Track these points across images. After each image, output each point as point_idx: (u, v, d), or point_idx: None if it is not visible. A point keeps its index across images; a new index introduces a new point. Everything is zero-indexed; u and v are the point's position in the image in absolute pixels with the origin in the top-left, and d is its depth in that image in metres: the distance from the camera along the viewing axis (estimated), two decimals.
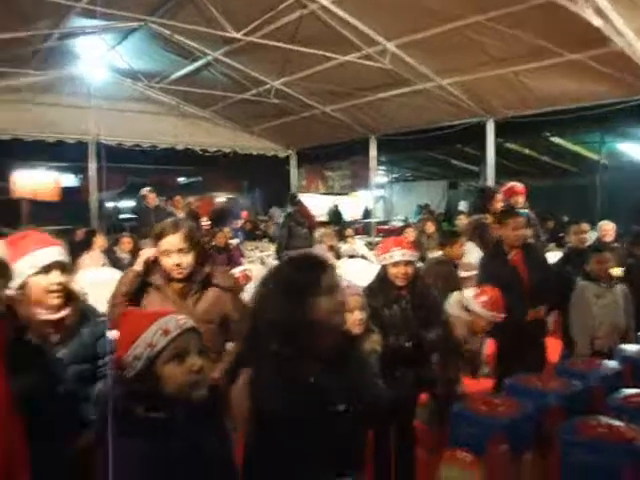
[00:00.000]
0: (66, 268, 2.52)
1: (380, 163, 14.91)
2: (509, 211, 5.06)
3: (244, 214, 16.43)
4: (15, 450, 1.84)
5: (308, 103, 10.30)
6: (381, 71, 8.12)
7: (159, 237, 2.87)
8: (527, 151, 15.69)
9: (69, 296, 2.51)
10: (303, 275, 2.22)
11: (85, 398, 2.50)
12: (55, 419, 1.99)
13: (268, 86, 9.62)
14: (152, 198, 10.62)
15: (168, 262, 2.83)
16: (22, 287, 2.39)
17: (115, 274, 5.52)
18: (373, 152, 11.84)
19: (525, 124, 9.24)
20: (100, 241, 7.76)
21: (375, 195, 13.23)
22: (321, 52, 7.77)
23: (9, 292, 2.06)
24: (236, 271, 6.71)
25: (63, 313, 2.48)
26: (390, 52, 7.65)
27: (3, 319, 1.94)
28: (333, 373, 2.17)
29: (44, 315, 2.43)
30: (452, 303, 4.10)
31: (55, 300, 2.44)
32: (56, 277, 2.44)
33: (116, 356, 1.91)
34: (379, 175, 18.68)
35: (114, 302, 2.87)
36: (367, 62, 7.91)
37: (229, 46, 8.18)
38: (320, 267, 2.23)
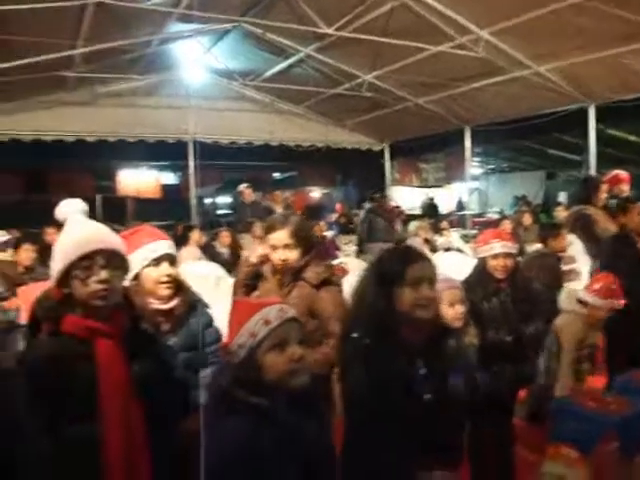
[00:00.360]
0: (175, 261, 2.65)
1: (475, 154, 14.58)
2: (628, 198, 4.87)
3: (338, 208, 16.50)
4: (135, 434, 1.95)
5: (401, 95, 10.20)
6: (475, 60, 7.91)
7: (268, 231, 2.98)
8: (632, 137, 14.86)
9: (178, 287, 2.63)
10: (389, 266, 2.24)
11: (193, 385, 2.61)
12: (167, 404, 2.09)
13: (360, 80, 9.61)
14: (248, 194, 10.88)
15: (275, 256, 2.94)
16: (135, 278, 2.54)
17: (212, 268, 5.69)
18: (468, 143, 11.59)
19: (628, 109, 8.75)
20: (196, 236, 8.01)
21: (470, 187, 12.93)
22: (413, 43, 7.67)
23: (125, 283, 2.18)
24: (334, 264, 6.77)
25: (173, 303, 2.61)
26: (484, 40, 7.44)
27: (121, 309, 2.05)
28: (426, 365, 2.17)
29: (155, 305, 2.57)
30: (564, 298, 3.87)
31: (165, 291, 2.57)
32: (166, 269, 2.57)
33: (224, 343, 2.03)
34: (474, 166, 18.23)
35: (234, 291, 3.09)
36: (460, 51, 7.74)
37: (321, 42, 8.24)
38: (408, 258, 2.23)
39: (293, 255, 2.92)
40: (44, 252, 6.93)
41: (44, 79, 8.54)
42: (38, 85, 8.97)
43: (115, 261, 2.01)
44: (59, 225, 2.12)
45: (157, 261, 2.57)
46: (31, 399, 1.90)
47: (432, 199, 19.30)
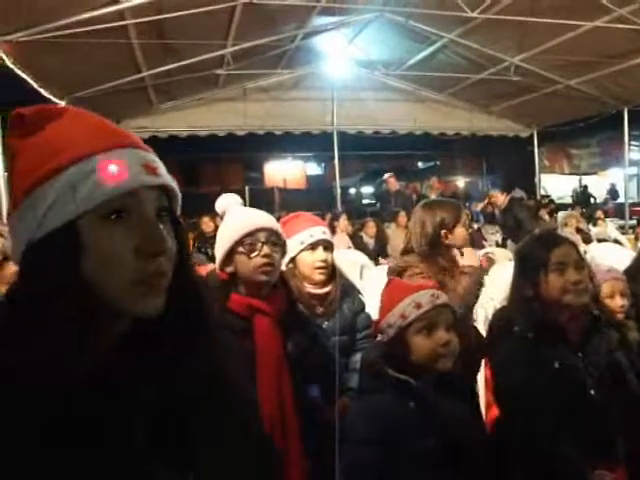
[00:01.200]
0: (330, 247, 2.72)
1: (633, 137, 13.56)
2: None
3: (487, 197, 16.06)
4: (286, 405, 2.06)
5: (550, 77, 9.69)
6: (635, 33, 7.30)
7: (460, 213, 2.97)
8: None
9: (332, 273, 2.69)
10: (533, 251, 2.18)
11: (344, 368, 2.67)
12: (322, 387, 2.19)
13: (507, 63, 9.25)
14: (393, 183, 10.92)
15: (465, 234, 2.96)
16: (292, 262, 2.64)
17: (359, 256, 5.78)
18: (625, 125, 10.77)
19: None
20: (343, 224, 8.16)
21: (628, 173, 12.03)
22: (563, 21, 7.24)
23: (282, 267, 2.29)
24: (479, 254, 6.62)
25: (327, 289, 2.67)
26: None
27: (279, 290, 2.16)
28: (586, 358, 2.11)
29: (310, 289, 2.65)
30: None
31: (320, 276, 2.64)
32: (321, 254, 2.64)
33: (376, 320, 2.12)
34: (633, 151, 16.94)
35: None
36: (618, 25, 7.19)
37: (464, 26, 8.03)
38: (552, 242, 2.16)
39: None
40: (200, 239, 7.44)
41: (198, 78, 9.09)
42: (192, 84, 9.55)
43: (275, 240, 2.13)
44: (214, 215, 2.28)
45: (313, 246, 2.64)
46: None
47: (585, 187, 18.23)
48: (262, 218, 2.17)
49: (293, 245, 2.57)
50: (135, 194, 0.85)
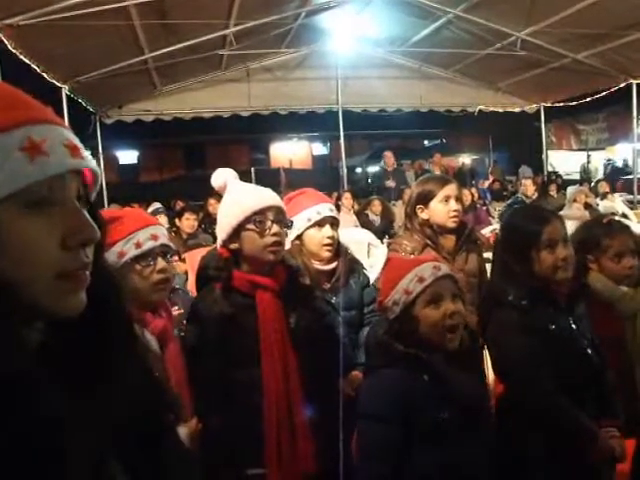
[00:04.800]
0: (337, 224, 2.74)
1: None
2: None
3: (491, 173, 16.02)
4: (291, 378, 2.10)
5: (558, 52, 9.54)
6: None
7: (443, 184, 2.94)
8: None
9: (338, 250, 2.72)
10: (523, 227, 2.24)
11: (352, 343, 2.71)
12: (328, 359, 2.20)
13: (513, 38, 9.11)
14: (390, 157, 10.95)
15: (446, 208, 2.89)
16: (298, 239, 2.65)
17: (365, 234, 5.75)
18: (634, 100, 10.61)
19: None
20: (348, 202, 8.13)
21: (636, 148, 11.90)
22: None
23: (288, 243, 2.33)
24: (486, 231, 6.62)
25: (333, 265, 2.71)
26: None
27: (280, 265, 2.20)
28: (572, 320, 2.18)
29: (317, 265, 2.67)
30: None
31: (327, 253, 2.67)
32: (328, 231, 2.67)
33: (379, 300, 2.13)
34: None
35: None
36: None
37: (469, 1, 7.91)
38: (542, 219, 2.20)
39: (460, 209, 2.94)
40: (205, 220, 7.49)
41: (201, 60, 9.03)
42: (195, 66, 9.48)
43: (282, 218, 2.16)
44: (220, 197, 2.28)
45: (320, 223, 2.66)
46: (205, 348, 2.12)
47: (590, 162, 18.16)
48: (270, 195, 2.19)
49: (300, 222, 2.60)
50: (60, 178, 0.74)
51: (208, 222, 7.36)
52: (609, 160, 19.17)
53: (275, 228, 2.09)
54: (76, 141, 0.79)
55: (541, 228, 2.15)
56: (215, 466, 1.94)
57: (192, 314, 2.26)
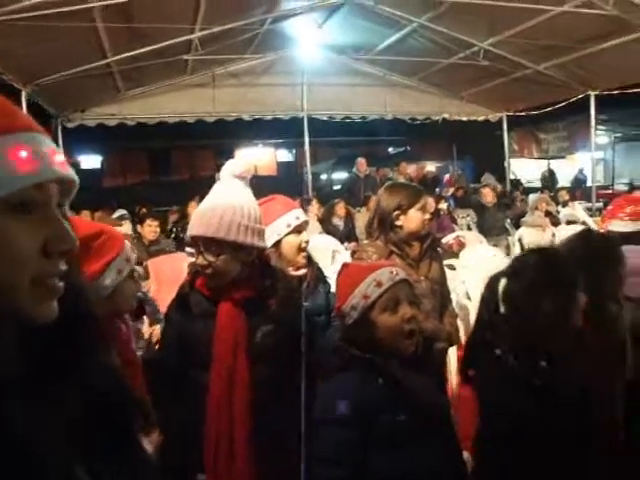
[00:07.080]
0: (306, 229, 2.76)
1: (600, 122, 13.73)
2: None
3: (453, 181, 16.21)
4: (236, 394, 2.09)
5: (520, 62, 9.73)
6: (603, 19, 7.25)
7: (420, 193, 3.01)
8: None
9: (308, 257, 2.76)
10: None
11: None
12: (290, 381, 2.20)
13: (476, 48, 9.25)
14: (362, 164, 11.00)
15: (423, 217, 2.96)
16: (275, 245, 2.64)
17: (329, 241, 5.77)
18: (592, 110, 10.86)
19: None
20: (314, 209, 8.13)
21: (595, 157, 12.19)
22: (531, 5, 7.22)
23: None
24: (450, 238, 6.69)
25: (304, 270, 2.72)
26: None
27: (255, 269, 2.21)
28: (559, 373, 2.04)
29: (292, 272, 2.66)
30: None
31: (303, 258, 2.69)
32: (305, 236, 2.69)
33: (336, 306, 2.13)
34: (599, 135, 17.13)
35: None
36: (586, 10, 7.18)
37: (434, 11, 8.00)
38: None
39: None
40: (182, 222, 7.45)
41: (166, 64, 8.94)
42: (160, 70, 9.39)
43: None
44: (201, 199, 2.30)
45: (298, 229, 2.68)
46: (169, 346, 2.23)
47: (552, 171, 18.49)
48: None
49: (279, 228, 2.60)
50: (43, 186, 0.76)
51: (182, 226, 7.33)
52: (581, 170, 19.48)
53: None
54: (58, 150, 0.81)
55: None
56: (169, 468, 1.93)
57: (168, 310, 2.36)
